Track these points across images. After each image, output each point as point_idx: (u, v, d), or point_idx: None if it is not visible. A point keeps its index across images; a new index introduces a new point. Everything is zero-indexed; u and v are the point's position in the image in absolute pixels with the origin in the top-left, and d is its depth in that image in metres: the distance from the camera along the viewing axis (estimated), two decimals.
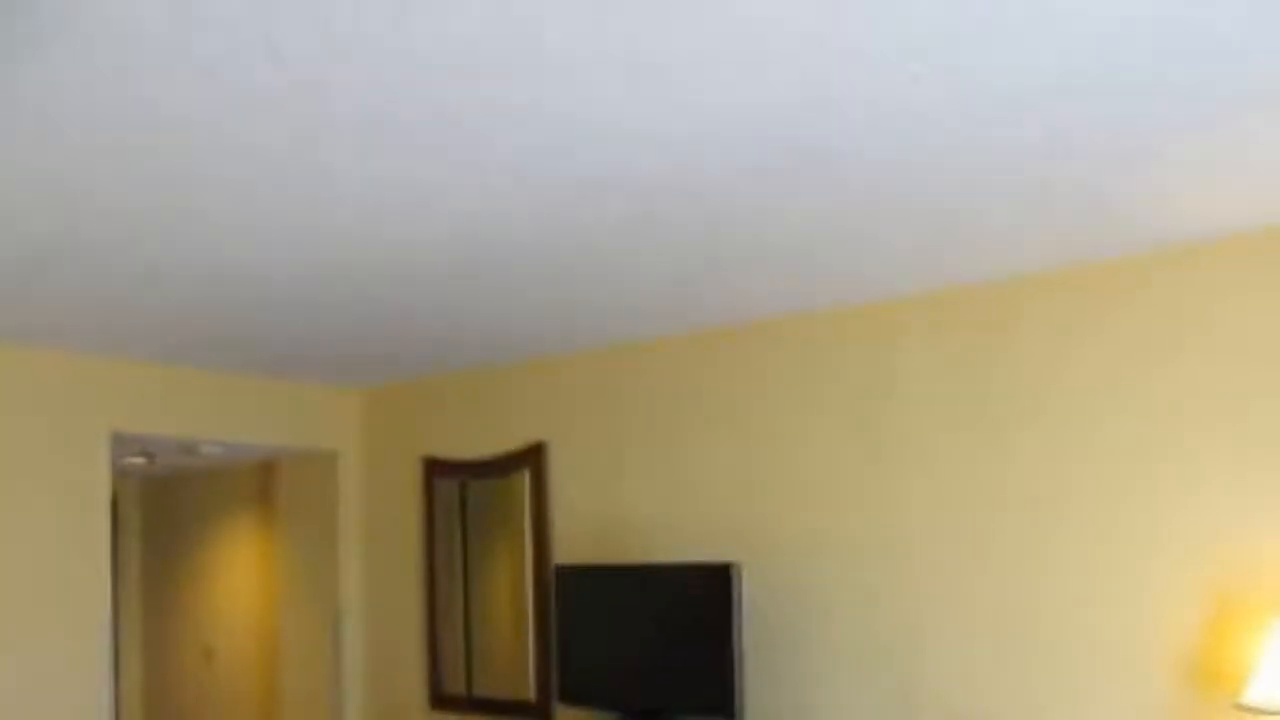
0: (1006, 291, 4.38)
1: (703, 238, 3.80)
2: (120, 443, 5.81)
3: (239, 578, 7.73)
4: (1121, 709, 4.04)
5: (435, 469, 6.22)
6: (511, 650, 5.81)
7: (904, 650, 4.54)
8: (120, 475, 7.72)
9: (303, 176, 3.14)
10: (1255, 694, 3.46)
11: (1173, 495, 3.96)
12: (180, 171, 3.08)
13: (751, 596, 4.89)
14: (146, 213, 3.41)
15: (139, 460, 6.88)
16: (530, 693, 5.69)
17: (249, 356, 5.54)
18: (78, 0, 2.12)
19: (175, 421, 5.67)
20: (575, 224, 3.63)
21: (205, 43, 2.31)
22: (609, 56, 2.43)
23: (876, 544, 4.63)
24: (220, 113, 2.69)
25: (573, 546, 5.61)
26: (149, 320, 4.72)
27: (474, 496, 6.05)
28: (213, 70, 2.44)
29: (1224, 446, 3.87)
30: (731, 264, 4.12)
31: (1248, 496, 3.82)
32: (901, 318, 4.63)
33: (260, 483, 7.60)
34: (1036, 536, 4.25)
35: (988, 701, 4.34)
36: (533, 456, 5.77)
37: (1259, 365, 3.83)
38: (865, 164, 3.15)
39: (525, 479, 5.78)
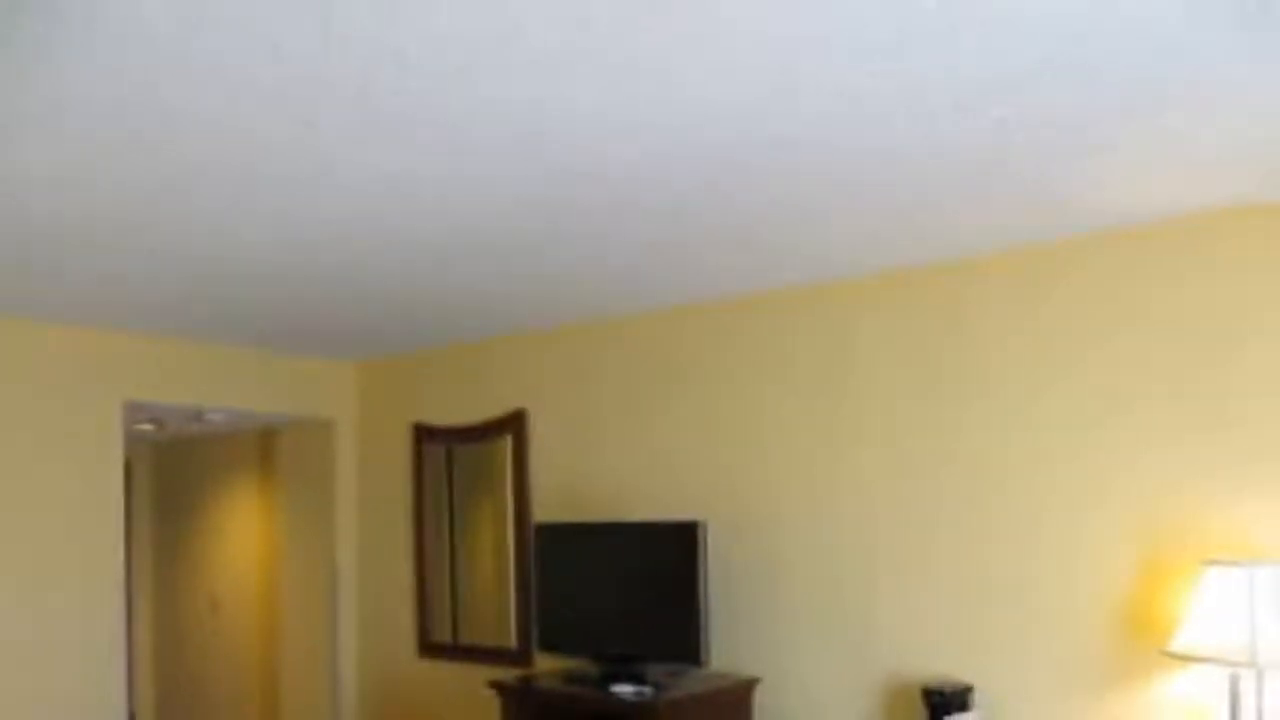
0: (956, 272, 4.34)
1: (672, 222, 3.80)
2: (132, 410, 5.75)
3: (242, 536, 7.67)
4: (1059, 656, 4.03)
5: (424, 435, 6.16)
6: (494, 602, 5.78)
7: (859, 602, 4.54)
8: (133, 441, 7.66)
9: (300, 166, 3.09)
10: (1180, 641, 3.44)
11: (1107, 461, 3.95)
12: (184, 162, 3.05)
13: (717, 552, 4.86)
14: (154, 201, 3.39)
15: (149, 427, 6.81)
16: (511, 641, 5.67)
17: (252, 331, 5.49)
18: (85, 1, 2.08)
19: (183, 391, 5.61)
20: (554, 210, 3.62)
21: (207, 41, 2.28)
22: (586, 54, 2.43)
23: (833, 505, 4.62)
24: (222, 107, 2.66)
25: (551, 506, 5.59)
26: (159, 298, 4.69)
27: (460, 460, 6.00)
28: (215, 67, 2.43)
29: (1155, 416, 3.87)
30: (699, 246, 4.09)
31: (1175, 461, 3.81)
32: (858, 296, 4.59)
33: (262, 448, 7.54)
34: (983, 499, 4.25)
35: (938, 650, 4.33)
36: (514, 423, 5.72)
37: (1188, 341, 3.81)
38: (824, 154, 3.14)
39: (507, 444, 5.75)
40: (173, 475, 8.40)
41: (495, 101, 2.67)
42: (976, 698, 4.21)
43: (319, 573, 6.58)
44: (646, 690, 4.42)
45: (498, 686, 4.86)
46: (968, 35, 2.37)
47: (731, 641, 4.87)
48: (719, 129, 2.91)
